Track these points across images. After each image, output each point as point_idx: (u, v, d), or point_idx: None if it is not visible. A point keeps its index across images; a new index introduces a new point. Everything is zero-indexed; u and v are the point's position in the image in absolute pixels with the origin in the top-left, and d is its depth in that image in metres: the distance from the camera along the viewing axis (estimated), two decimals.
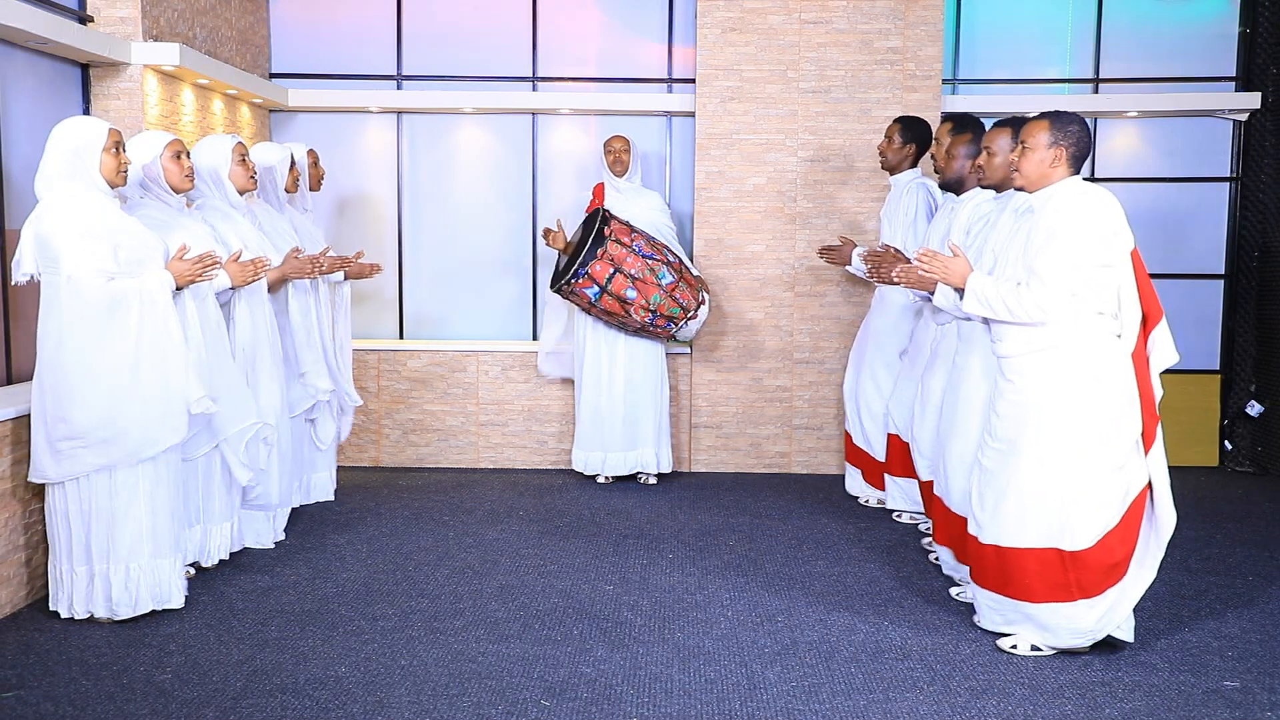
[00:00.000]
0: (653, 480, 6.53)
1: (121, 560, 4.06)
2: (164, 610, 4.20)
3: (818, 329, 6.77)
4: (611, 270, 5.95)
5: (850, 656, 3.88)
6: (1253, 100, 6.85)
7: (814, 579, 4.76)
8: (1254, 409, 6.98)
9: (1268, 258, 6.96)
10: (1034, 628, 3.88)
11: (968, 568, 4.34)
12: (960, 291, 3.94)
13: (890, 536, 5.44)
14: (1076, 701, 3.53)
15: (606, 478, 6.50)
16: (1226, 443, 7.13)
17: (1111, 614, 3.81)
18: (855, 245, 5.98)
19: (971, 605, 4.38)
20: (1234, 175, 7.14)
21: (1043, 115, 3.85)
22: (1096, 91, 7.11)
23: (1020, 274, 3.81)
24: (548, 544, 5.26)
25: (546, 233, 6.36)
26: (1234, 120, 7.09)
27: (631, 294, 5.97)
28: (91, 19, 5.37)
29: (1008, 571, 3.88)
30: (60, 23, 4.85)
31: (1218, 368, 7.18)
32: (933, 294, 4.17)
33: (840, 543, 5.33)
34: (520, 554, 5.09)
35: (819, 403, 6.80)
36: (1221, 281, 7.18)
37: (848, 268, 6.05)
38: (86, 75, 5.39)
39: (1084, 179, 3.91)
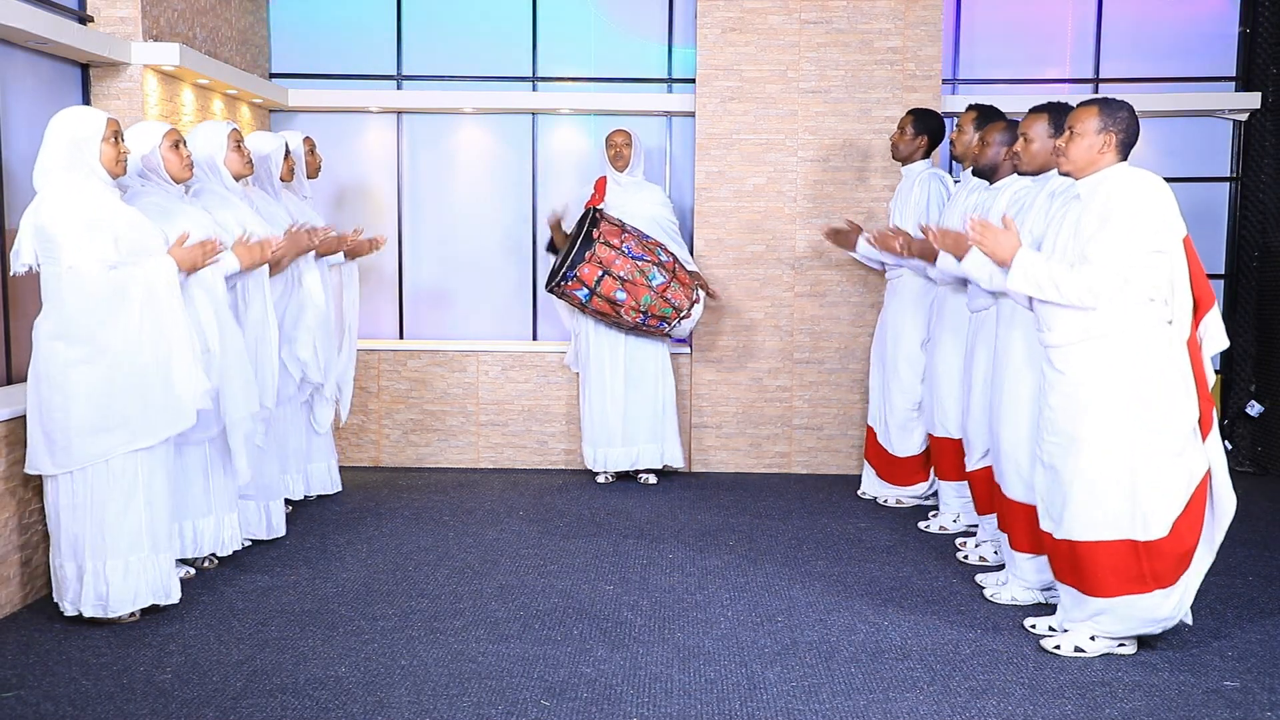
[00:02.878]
0: (653, 480, 6.53)
1: (121, 555, 4.03)
2: (164, 609, 4.20)
3: (818, 329, 6.77)
4: (600, 273, 5.95)
5: (850, 656, 3.88)
6: (1253, 100, 6.85)
7: (814, 579, 4.76)
8: (1254, 409, 6.98)
9: (1268, 258, 6.96)
10: (1108, 622, 3.87)
11: (1026, 557, 4.38)
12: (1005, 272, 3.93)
13: (890, 536, 5.44)
14: (1076, 701, 3.53)
15: (607, 477, 6.50)
16: (1227, 443, 7.13)
17: (1183, 600, 3.86)
18: (862, 230, 5.98)
19: (996, 606, 4.43)
20: (1234, 175, 7.14)
21: (1092, 101, 3.84)
22: (1096, 91, 7.11)
23: (1072, 258, 3.79)
24: (548, 544, 5.26)
25: (555, 224, 6.39)
26: (1234, 120, 7.09)
27: (621, 295, 5.98)
28: (91, 19, 5.37)
29: (1080, 566, 3.87)
30: (60, 23, 4.85)
31: (1218, 368, 7.18)
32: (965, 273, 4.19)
33: (840, 543, 5.33)
34: (520, 554, 5.09)
35: (819, 403, 6.80)
36: (1221, 281, 7.18)
37: (852, 253, 6.05)
38: (86, 75, 5.39)
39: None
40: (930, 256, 5.02)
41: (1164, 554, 3.78)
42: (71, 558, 4.04)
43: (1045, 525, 4.03)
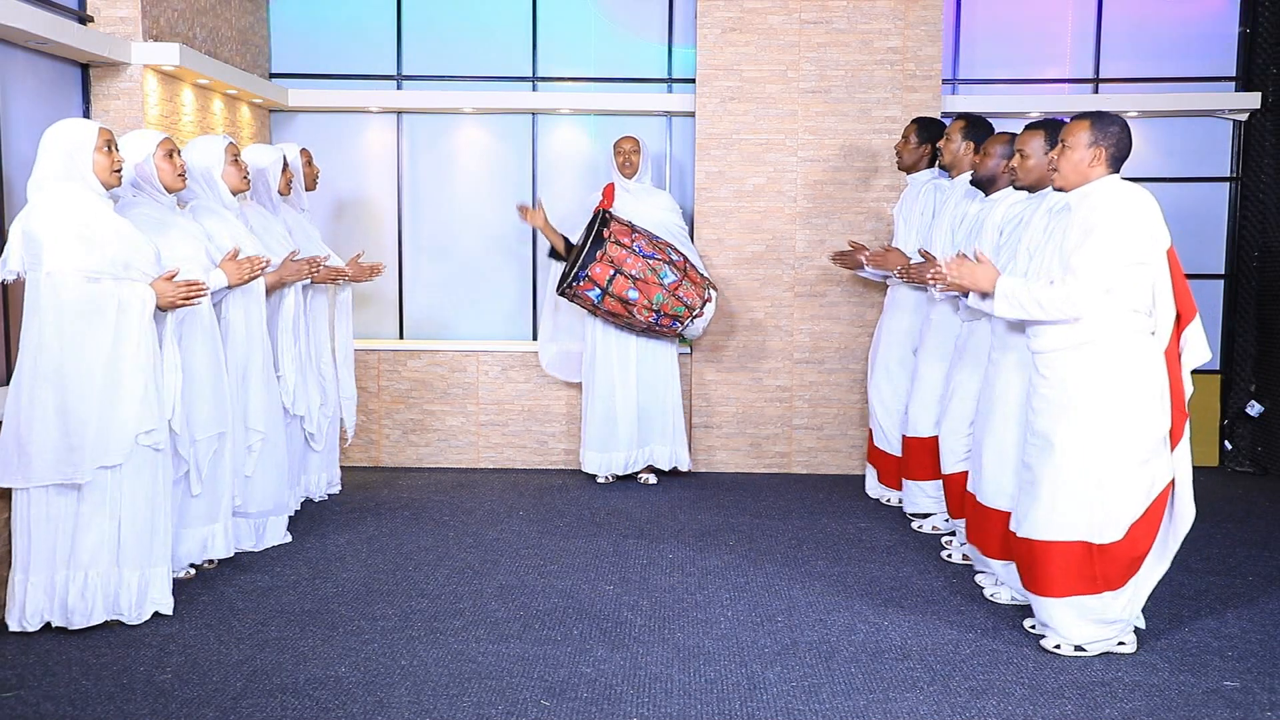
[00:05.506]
0: (653, 480, 6.53)
1: (81, 567, 3.97)
2: (163, 614, 4.19)
3: (818, 329, 6.77)
4: (612, 272, 5.95)
5: (850, 656, 3.88)
6: (1253, 100, 6.85)
7: (814, 579, 4.77)
8: (1254, 409, 6.97)
9: (1268, 258, 6.96)
10: (1058, 622, 3.89)
11: (1000, 562, 4.40)
12: (989, 297, 3.98)
13: (890, 536, 5.44)
14: (1076, 701, 3.53)
15: (607, 477, 6.50)
16: (1226, 443, 7.13)
17: (1133, 602, 3.90)
18: (866, 249, 5.98)
19: (996, 606, 4.43)
20: (1234, 175, 7.14)
21: (1084, 115, 3.87)
22: (1096, 91, 7.11)
23: (1056, 271, 3.83)
24: (548, 544, 5.26)
25: (522, 210, 6.39)
26: (1234, 120, 7.09)
27: (633, 294, 5.98)
28: (91, 19, 5.37)
29: (1034, 565, 3.92)
30: (60, 23, 4.85)
31: (1218, 368, 7.17)
32: (967, 294, 4.22)
33: (840, 543, 5.33)
34: (520, 554, 5.09)
35: (819, 403, 6.80)
36: (1221, 281, 7.18)
37: (859, 272, 6.06)
38: (86, 75, 5.39)
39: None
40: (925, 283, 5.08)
41: (1116, 558, 3.83)
42: (42, 570, 3.95)
43: (1012, 524, 4.07)
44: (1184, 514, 3.86)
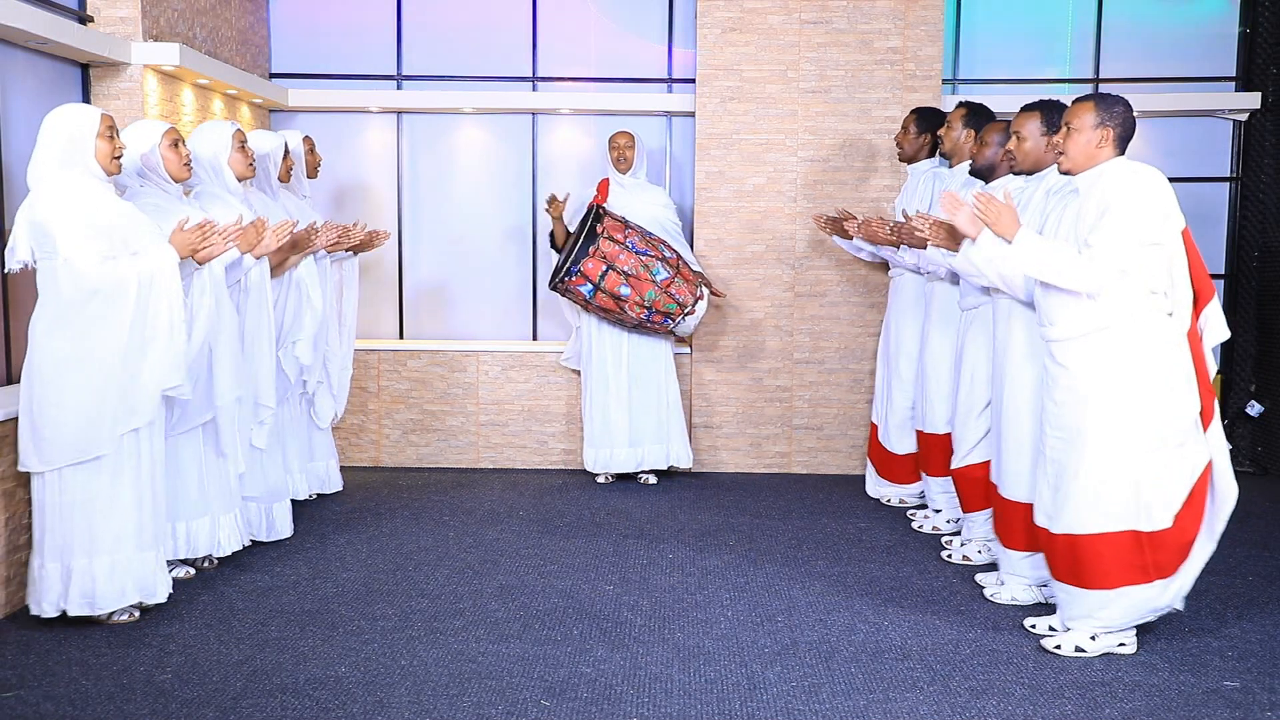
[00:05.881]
0: (653, 480, 6.53)
1: (105, 553, 3.99)
2: (164, 609, 4.19)
3: (818, 329, 6.77)
4: (604, 268, 5.96)
5: (850, 656, 3.88)
6: (1253, 100, 6.85)
7: (814, 579, 4.77)
8: (1254, 409, 6.97)
9: (1268, 258, 6.96)
10: (1108, 615, 3.86)
11: (1021, 554, 4.37)
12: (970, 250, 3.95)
13: (890, 536, 5.44)
14: (1076, 701, 3.53)
15: (606, 477, 6.50)
16: (1227, 443, 7.12)
17: (1181, 588, 3.89)
18: (855, 217, 5.94)
19: (996, 606, 4.43)
20: (1234, 175, 7.14)
21: (1088, 96, 3.86)
22: (1096, 91, 7.11)
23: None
24: (548, 544, 5.26)
25: (551, 200, 6.41)
26: (1234, 120, 7.09)
27: (625, 290, 5.98)
28: (91, 19, 5.37)
29: (1080, 560, 3.87)
30: (60, 23, 4.85)
31: (1218, 368, 7.16)
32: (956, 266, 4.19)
33: (840, 543, 5.34)
34: (520, 554, 5.09)
35: (819, 403, 6.80)
36: (1221, 282, 7.17)
37: (846, 245, 6.04)
38: (86, 75, 5.39)
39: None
40: (918, 243, 5.02)
41: (1166, 545, 3.81)
42: (56, 557, 3.98)
43: (1040, 521, 4.02)
44: (1227, 492, 3.87)
